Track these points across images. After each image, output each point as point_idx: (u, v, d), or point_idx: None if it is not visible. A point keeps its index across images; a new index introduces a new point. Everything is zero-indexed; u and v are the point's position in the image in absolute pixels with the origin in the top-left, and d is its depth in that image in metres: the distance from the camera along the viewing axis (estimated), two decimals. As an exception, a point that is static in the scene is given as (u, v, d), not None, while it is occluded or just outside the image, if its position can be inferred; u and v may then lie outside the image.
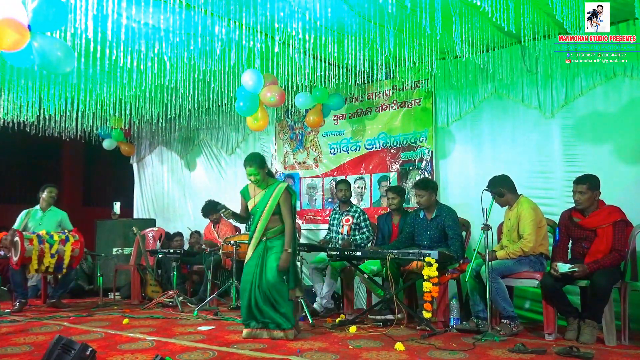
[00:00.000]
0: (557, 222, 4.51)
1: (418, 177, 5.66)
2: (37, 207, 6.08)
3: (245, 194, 4.31)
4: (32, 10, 3.24)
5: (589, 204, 4.03)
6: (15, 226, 5.82)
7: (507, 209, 4.47)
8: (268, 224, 4.12)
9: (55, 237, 5.68)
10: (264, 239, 4.13)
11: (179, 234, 7.28)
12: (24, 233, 5.59)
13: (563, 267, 3.86)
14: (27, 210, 6.04)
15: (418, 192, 4.83)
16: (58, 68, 3.57)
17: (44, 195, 6.07)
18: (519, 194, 4.40)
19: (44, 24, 3.33)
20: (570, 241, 4.23)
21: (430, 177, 5.64)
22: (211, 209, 6.31)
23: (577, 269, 3.83)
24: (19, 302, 5.64)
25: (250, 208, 4.24)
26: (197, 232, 7.18)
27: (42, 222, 5.97)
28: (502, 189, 4.33)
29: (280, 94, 5.30)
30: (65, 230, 5.98)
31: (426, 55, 5.02)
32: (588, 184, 4.00)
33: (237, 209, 4.38)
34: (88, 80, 5.60)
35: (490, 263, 4.00)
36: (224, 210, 4.32)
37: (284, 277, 4.08)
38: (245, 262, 4.19)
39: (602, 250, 3.91)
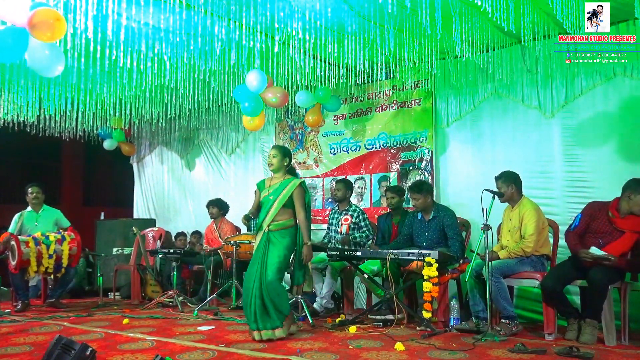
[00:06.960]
0: (556, 222, 4.52)
1: (418, 177, 5.66)
2: (29, 208, 6.03)
3: (261, 185, 4.35)
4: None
5: None
6: (10, 230, 5.79)
7: (507, 209, 4.47)
8: (276, 216, 4.10)
9: (51, 238, 5.63)
10: (268, 230, 4.09)
11: (182, 234, 7.31)
12: (19, 236, 5.55)
13: (597, 251, 3.80)
14: (20, 212, 5.99)
15: (412, 195, 4.84)
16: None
17: (28, 196, 6.02)
18: (522, 194, 4.41)
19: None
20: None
21: (430, 177, 5.64)
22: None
23: (612, 257, 3.74)
24: (22, 302, 5.65)
25: (262, 197, 4.23)
26: (186, 233, 7.32)
27: (38, 223, 5.93)
28: (513, 184, 4.35)
29: (282, 94, 5.28)
30: (61, 230, 5.96)
31: (426, 55, 5.01)
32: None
33: (239, 209, 4.37)
34: (88, 80, 5.59)
35: (490, 263, 4.00)
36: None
37: (282, 276, 4.09)
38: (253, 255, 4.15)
39: (617, 251, 3.83)
